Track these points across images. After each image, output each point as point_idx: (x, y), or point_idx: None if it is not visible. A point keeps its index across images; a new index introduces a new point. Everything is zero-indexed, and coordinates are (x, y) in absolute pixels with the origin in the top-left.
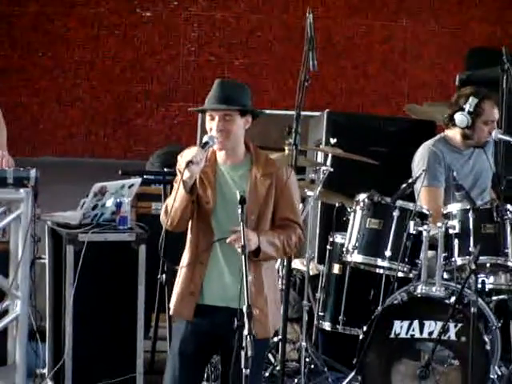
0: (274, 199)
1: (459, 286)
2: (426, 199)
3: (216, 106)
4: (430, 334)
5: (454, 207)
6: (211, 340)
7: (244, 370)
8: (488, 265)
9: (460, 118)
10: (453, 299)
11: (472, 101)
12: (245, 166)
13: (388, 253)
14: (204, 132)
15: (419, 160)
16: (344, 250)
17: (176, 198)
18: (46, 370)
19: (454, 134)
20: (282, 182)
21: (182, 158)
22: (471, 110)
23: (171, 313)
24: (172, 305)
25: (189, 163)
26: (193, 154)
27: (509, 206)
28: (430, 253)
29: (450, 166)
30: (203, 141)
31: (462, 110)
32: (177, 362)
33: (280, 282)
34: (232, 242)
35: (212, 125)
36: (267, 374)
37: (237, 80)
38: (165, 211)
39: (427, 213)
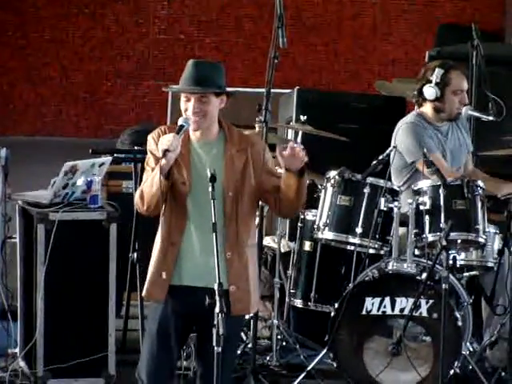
0: (255, 174)
1: (430, 263)
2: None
3: (192, 88)
4: (402, 310)
5: (425, 183)
6: (188, 320)
7: (216, 348)
8: (459, 241)
9: (428, 90)
10: (424, 275)
11: (438, 72)
12: (218, 143)
13: (359, 230)
14: (174, 110)
15: (405, 136)
16: (315, 227)
17: (153, 184)
18: (17, 350)
19: (426, 109)
20: (259, 155)
21: (159, 146)
22: (438, 80)
23: (143, 295)
24: (145, 287)
25: (166, 151)
26: (169, 141)
27: (479, 182)
28: (401, 229)
29: (428, 139)
30: (178, 124)
31: (430, 82)
32: (155, 343)
33: None
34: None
35: (188, 105)
36: (239, 352)
37: (207, 58)
38: (140, 196)
39: (398, 189)
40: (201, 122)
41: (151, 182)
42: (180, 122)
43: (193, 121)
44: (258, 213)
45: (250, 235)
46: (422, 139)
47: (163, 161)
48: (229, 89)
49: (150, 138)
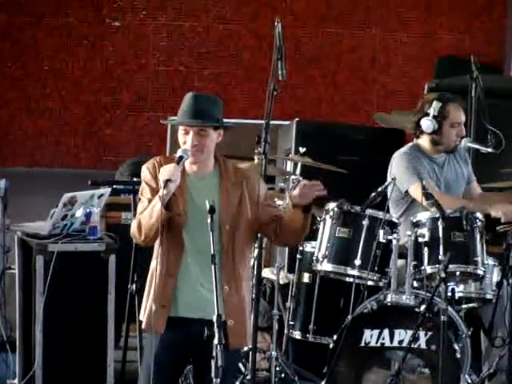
0: (251, 207)
1: (429, 295)
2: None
3: (191, 121)
4: (400, 342)
5: (424, 215)
6: (185, 351)
7: (214, 380)
8: (458, 273)
9: (426, 123)
10: (423, 307)
11: (436, 105)
12: (214, 176)
13: (358, 261)
14: (173, 142)
15: (397, 165)
16: (314, 258)
17: (152, 215)
18: (16, 381)
19: (423, 141)
20: (254, 188)
21: (160, 176)
22: (436, 114)
23: (143, 327)
24: (144, 318)
25: (167, 182)
26: (170, 172)
27: (478, 214)
28: (400, 261)
29: (423, 170)
30: (177, 155)
31: (428, 115)
32: (151, 374)
33: None
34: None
35: (186, 139)
36: None
37: (206, 90)
38: (137, 227)
39: (397, 221)
40: (199, 156)
41: (150, 212)
42: (179, 153)
43: (192, 154)
44: (256, 244)
45: (246, 268)
46: (414, 168)
47: (164, 191)
48: (227, 120)
49: (144, 168)
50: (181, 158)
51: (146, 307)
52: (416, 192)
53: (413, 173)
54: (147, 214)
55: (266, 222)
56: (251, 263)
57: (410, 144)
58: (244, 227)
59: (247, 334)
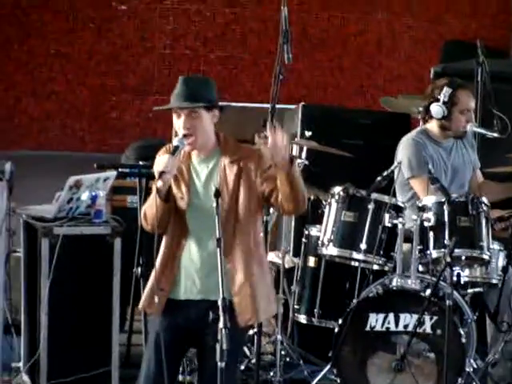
0: (252, 184)
1: (434, 279)
2: (421, 189)
3: (179, 103)
4: (406, 326)
5: (429, 200)
6: (187, 333)
7: (219, 363)
8: (463, 257)
9: (436, 108)
10: (428, 292)
11: (446, 91)
12: (215, 157)
13: (363, 246)
14: None
15: (404, 151)
16: (319, 242)
17: (153, 206)
18: (21, 364)
19: (432, 126)
20: (255, 164)
21: (155, 167)
22: (446, 99)
23: (139, 307)
24: (142, 299)
25: (162, 173)
26: (164, 163)
27: (484, 199)
28: (406, 246)
29: (429, 158)
30: (173, 145)
31: (437, 100)
32: (152, 355)
33: None
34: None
35: (179, 123)
36: (243, 367)
37: (212, 73)
38: (144, 217)
39: (402, 205)
40: (194, 141)
41: (151, 203)
42: (175, 142)
43: (187, 142)
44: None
45: (251, 245)
46: (419, 159)
47: (159, 183)
48: (228, 103)
49: (157, 158)
50: (176, 147)
51: (147, 289)
52: (415, 184)
53: (417, 164)
54: (149, 204)
55: (268, 193)
56: (261, 239)
57: (418, 129)
58: (244, 203)
59: (258, 309)
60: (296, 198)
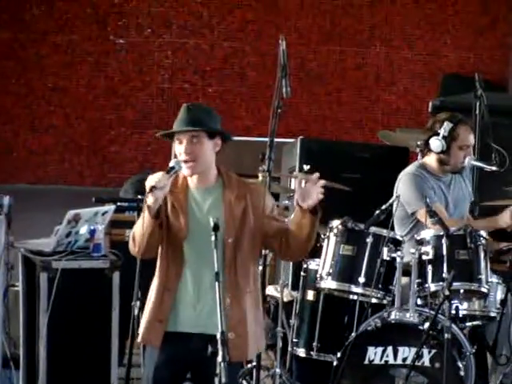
0: (255, 221)
1: (433, 312)
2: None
3: (181, 128)
4: (404, 360)
5: (428, 233)
6: (185, 366)
7: None
8: (462, 291)
9: (435, 143)
10: (427, 325)
11: (447, 125)
12: (217, 190)
13: (362, 279)
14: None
15: (404, 186)
16: (318, 276)
17: (143, 224)
18: None
19: (430, 160)
20: (260, 201)
21: (146, 183)
22: (446, 134)
23: (139, 340)
24: (140, 332)
25: (152, 188)
26: (156, 179)
27: (482, 232)
28: (404, 279)
29: (430, 190)
30: (169, 165)
31: (437, 134)
32: None
33: None
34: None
35: (180, 149)
36: None
37: (210, 107)
38: (132, 238)
39: (400, 239)
40: (194, 167)
41: (141, 222)
42: (171, 163)
43: (187, 166)
44: (260, 261)
45: (251, 281)
46: (422, 190)
47: (150, 198)
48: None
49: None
50: (172, 168)
51: (144, 321)
52: (424, 217)
53: (421, 196)
54: (139, 223)
55: (272, 235)
56: (258, 276)
57: (416, 163)
58: (247, 240)
59: (249, 348)
60: (306, 247)
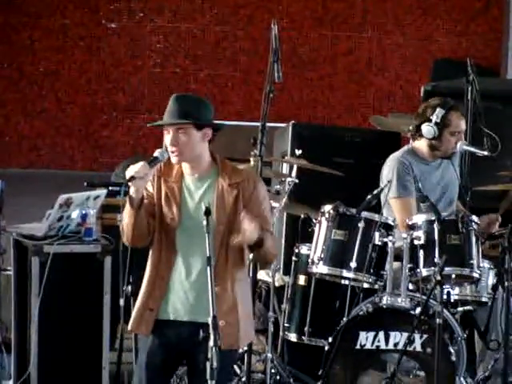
0: (251, 207)
1: (424, 297)
2: (398, 210)
3: (168, 120)
4: (396, 345)
5: (420, 218)
6: (177, 353)
7: (209, 382)
8: (453, 276)
9: (427, 129)
10: (418, 310)
11: (439, 112)
12: (211, 178)
13: (353, 264)
14: None
15: (388, 171)
16: (309, 261)
17: (126, 214)
18: (11, 382)
19: (420, 145)
20: (249, 192)
21: (126, 173)
22: (438, 120)
23: (129, 328)
24: (130, 321)
25: (131, 178)
26: (136, 169)
27: (474, 217)
28: (396, 264)
29: (417, 177)
30: (153, 155)
31: (429, 120)
32: (143, 375)
33: None
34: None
35: (167, 140)
36: None
37: (202, 92)
38: (121, 227)
39: (392, 224)
40: (180, 155)
41: (126, 212)
42: (156, 153)
43: (172, 155)
44: None
45: (241, 269)
46: (403, 181)
47: (131, 189)
48: (218, 122)
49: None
50: (155, 158)
51: (135, 310)
52: (395, 205)
53: (399, 186)
54: (125, 214)
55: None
56: (247, 263)
57: (405, 148)
58: (238, 229)
59: (240, 335)
60: (266, 262)
